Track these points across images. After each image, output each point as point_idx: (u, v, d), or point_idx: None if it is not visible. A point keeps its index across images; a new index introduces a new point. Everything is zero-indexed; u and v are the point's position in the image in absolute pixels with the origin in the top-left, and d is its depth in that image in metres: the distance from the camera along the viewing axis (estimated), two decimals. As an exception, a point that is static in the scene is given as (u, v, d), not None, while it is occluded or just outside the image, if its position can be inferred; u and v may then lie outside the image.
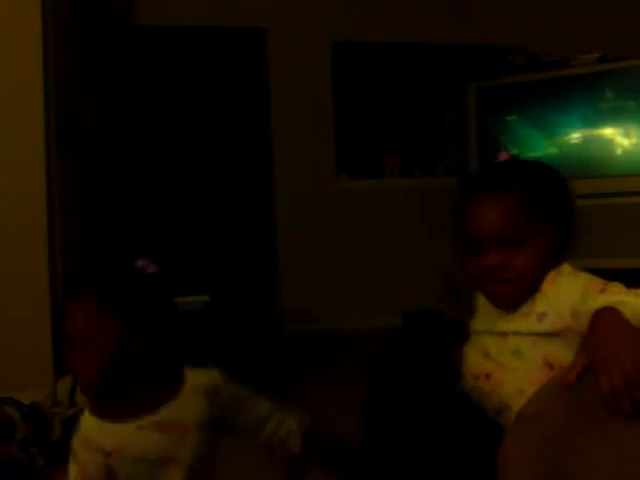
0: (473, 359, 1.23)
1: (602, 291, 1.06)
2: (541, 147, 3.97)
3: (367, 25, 4.49)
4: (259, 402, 1.35)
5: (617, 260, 3.43)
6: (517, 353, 1.15)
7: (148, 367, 1.18)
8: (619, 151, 3.76)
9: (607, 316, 1.00)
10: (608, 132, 3.79)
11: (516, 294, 1.16)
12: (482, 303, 1.27)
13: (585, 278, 1.13)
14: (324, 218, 4.45)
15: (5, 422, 1.93)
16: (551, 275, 1.15)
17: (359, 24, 4.48)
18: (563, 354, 1.08)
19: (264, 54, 4.44)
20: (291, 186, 4.41)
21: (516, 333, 1.15)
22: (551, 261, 1.16)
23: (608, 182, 3.68)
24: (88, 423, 1.17)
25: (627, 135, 3.74)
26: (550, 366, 1.10)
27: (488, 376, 1.18)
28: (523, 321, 1.15)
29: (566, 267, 1.17)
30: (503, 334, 1.17)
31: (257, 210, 4.50)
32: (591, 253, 3.66)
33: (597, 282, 1.10)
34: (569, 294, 1.10)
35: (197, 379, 1.25)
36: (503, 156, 1.27)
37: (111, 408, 1.17)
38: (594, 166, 3.79)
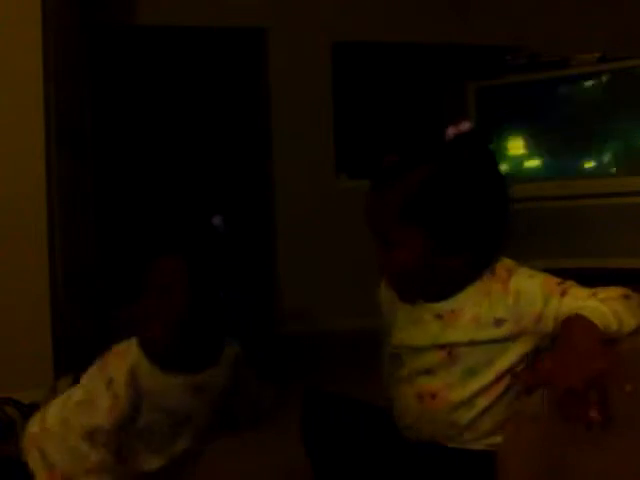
0: (414, 376, 1.16)
1: (563, 293, 1.06)
2: (541, 147, 3.97)
3: (367, 25, 4.49)
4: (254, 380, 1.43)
5: (617, 260, 3.43)
6: (470, 372, 1.11)
7: (208, 329, 1.25)
8: (619, 151, 3.76)
9: (575, 323, 0.99)
10: (608, 132, 3.79)
11: (402, 286, 1.19)
12: (404, 312, 1.21)
13: (539, 279, 1.10)
14: (324, 218, 4.45)
15: (5, 422, 1.93)
16: (501, 274, 1.12)
17: (359, 24, 4.48)
18: (514, 360, 1.09)
19: (264, 54, 4.45)
20: (291, 186, 4.41)
21: (471, 343, 1.10)
22: (445, 261, 1.11)
23: (608, 182, 3.68)
24: (138, 361, 1.20)
25: (627, 135, 3.74)
26: (499, 379, 1.09)
27: (434, 396, 1.13)
28: (477, 328, 1.10)
29: (508, 263, 1.14)
30: (451, 348, 1.12)
31: (257, 210, 4.50)
32: (591, 253, 3.67)
33: (553, 283, 1.08)
34: (531, 299, 1.07)
35: (227, 354, 1.31)
36: (451, 130, 1.17)
37: (164, 358, 1.21)
38: (594, 166, 3.79)
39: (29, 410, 2.00)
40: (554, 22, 4.51)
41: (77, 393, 1.23)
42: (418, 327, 1.17)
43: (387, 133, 4.70)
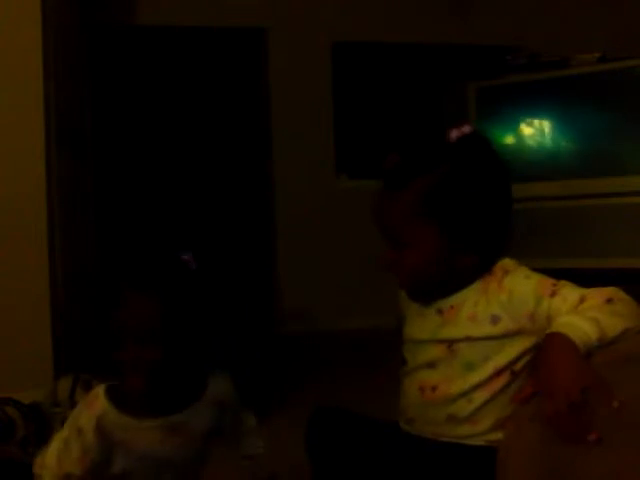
0: (417, 370, 1.20)
1: (553, 294, 1.08)
2: (541, 147, 3.97)
3: (367, 25, 4.49)
4: (248, 416, 1.38)
5: (617, 260, 3.43)
6: (469, 366, 1.13)
7: (187, 368, 1.19)
8: (619, 151, 3.76)
9: (555, 343, 1.00)
10: (608, 132, 3.79)
11: (411, 287, 1.22)
12: (413, 307, 1.25)
13: (535, 280, 1.12)
14: (324, 218, 4.45)
15: (5, 422, 1.93)
16: (497, 273, 1.14)
17: (359, 24, 4.48)
18: (512, 356, 1.11)
19: (264, 54, 4.45)
20: (291, 186, 4.41)
21: (468, 339, 1.13)
22: (454, 261, 1.14)
23: (608, 182, 3.68)
24: (106, 410, 1.16)
25: (627, 135, 3.74)
26: (498, 374, 1.12)
27: (434, 388, 1.16)
28: (473, 325, 1.13)
29: (508, 263, 1.16)
30: (450, 343, 1.15)
31: (257, 210, 4.50)
32: (591, 253, 3.67)
33: (547, 284, 1.10)
34: (523, 299, 1.10)
35: (213, 387, 1.25)
36: (454, 133, 1.17)
37: (133, 403, 1.16)
38: (594, 166, 3.79)
39: (29, 410, 2.00)
40: (554, 22, 4.51)
41: (61, 434, 1.22)
42: (421, 321, 1.21)
43: (387, 133, 4.70)
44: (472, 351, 1.13)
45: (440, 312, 1.18)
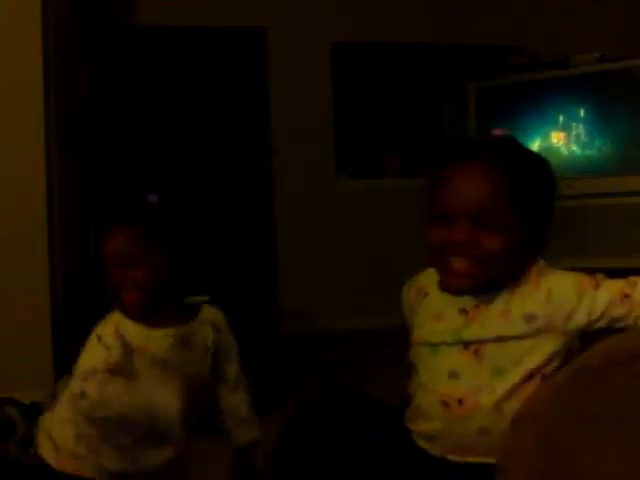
0: (436, 381, 1.10)
1: (596, 287, 1.05)
2: (541, 147, 3.97)
3: (367, 25, 4.49)
4: (239, 361, 1.51)
5: (617, 260, 3.43)
6: (498, 371, 1.06)
7: (180, 288, 1.38)
8: (619, 151, 3.76)
9: None
10: (608, 132, 3.79)
11: (478, 279, 1.06)
12: (427, 307, 1.16)
13: (572, 276, 1.08)
14: (324, 218, 4.45)
15: (5, 422, 1.93)
16: (532, 273, 1.09)
17: (359, 24, 4.48)
18: (542, 358, 1.06)
19: (264, 54, 4.44)
20: (291, 186, 4.41)
21: (499, 338, 1.06)
22: (521, 257, 1.08)
23: (608, 182, 3.68)
24: (121, 320, 1.32)
25: (627, 135, 3.74)
26: (529, 378, 1.06)
27: (461, 401, 1.07)
28: (506, 323, 1.06)
29: (543, 264, 1.12)
30: (477, 345, 1.07)
31: (257, 210, 4.50)
32: (591, 253, 3.67)
33: (586, 278, 1.07)
34: (564, 296, 1.05)
35: (207, 312, 1.44)
36: (497, 132, 1.17)
37: (145, 316, 1.33)
38: (594, 166, 3.79)
39: (29, 410, 2.00)
40: (554, 22, 4.51)
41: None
42: (440, 322, 1.12)
43: (387, 133, 4.70)
44: (502, 354, 1.05)
45: (464, 311, 1.10)
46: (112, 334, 1.29)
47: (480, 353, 1.07)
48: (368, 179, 4.59)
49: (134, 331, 1.31)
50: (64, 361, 2.55)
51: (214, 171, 4.44)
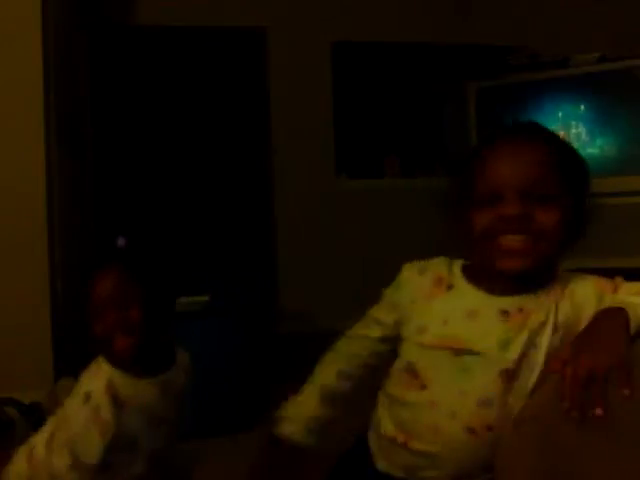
0: (460, 406, 1.00)
1: (615, 290, 1.03)
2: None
3: (367, 25, 4.49)
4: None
5: (617, 260, 3.43)
6: (526, 397, 0.99)
7: (163, 335, 1.32)
8: (619, 151, 3.76)
9: (608, 314, 0.96)
10: (608, 132, 3.79)
11: (534, 257, 0.99)
12: (452, 298, 1.06)
13: (591, 280, 1.05)
14: (324, 218, 4.45)
15: (5, 422, 1.93)
16: (560, 282, 1.05)
17: (359, 24, 4.48)
18: None
19: (264, 54, 4.44)
20: (291, 186, 4.40)
21: (535, 347, 0.99)
22: (565, 241, 1.03)
23: (608, 182, 3.68)
24: (111, 373, 1.26)
25: (627, 135, 3.73)
26: None
27: (490, 428, 1.00)
28: (542, 332, 1.00)
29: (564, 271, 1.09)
30: (513, 370, 0.98)
31: (257, 210, 4.50)
32: (591, 253, 3.67)
33: (605, 281, 1.04)
34: (585, 301, 1.02)
35: (181, 357, 1.40)
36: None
37: (134, 363, 1.27)
38: (594, 166, 3.79)
39: (29, 410, 2.00)
40: (554, 22, 4.51)
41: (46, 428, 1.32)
42: (476, 322, 1.02)
43: (387, 133, 4.69)
44: (532, 377, 1.00)
45: (505, 313, 1.01)
46: (103, 390, 1.23)
47: (513, 376, 1.00)
48: (368, 179, 4.59)
49: (124, 383, 1.26)
50: (64, 361, 2.55)
51: (214, 171, 4.44)
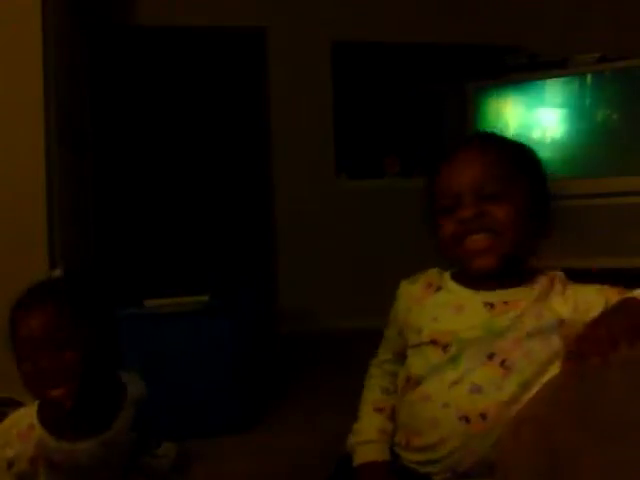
0: (453, 395, 1.03)
1: (622, 293, 1.04)
2: (541, 147, 3.97)
3: (367, 25, 4.49)
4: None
5: (617, 260, 3.43)
6: (525, 386, 1.01)
7: (104, 379, 1.16)
8: (619, 151, 3.76)
9: (625, 301, 1.00)
10: (608, 132, 3.79)
11: (498, 252, 1.05)
12: (440, 297, 1.11)
13: (595, 286, 1.07)
14: (324, 218, 4.45)
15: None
16: (557, 285, 1.07)
17: (359, 24, 4.48)
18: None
19: (264, 54, 4.45)
20: (291, 186, 4.41)
21: (530, 335, 1.02)
22: (530, 230, 1.08)
23: (608, 182, 3.68)
24: (42, 438, 1.13)
25: (627, 135, 3.74)
26: None
27: (484, 416, 1.02)
28: (537, 321, 1.04)
29: (562, 276, 1.10)
30: (503, 357, 1.02)
31: (257, 210, 4.50)
32: (591, 253, 3.67)
33: (610, 287, 1.07)
34: (590, 304, 1.03)
35: (132, 388, 1.24)
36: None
37: (71, 424, 1.14)
38: (594, 166, 3.79)
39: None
40: (554, 22, 4.51)
41: None
42: (463, 315, 1.07)
43: (387, 133, 4.70)
44: (528, 365, 1.02)
45: (491, 306, 1.06)
46: (28, 459, 1.11)
47: (507, 365, 1.02)
48: (368, 179, 4.60)
49: (57, 448, 1.12)
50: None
51: (214, 171, 4.44)
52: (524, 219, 1.07)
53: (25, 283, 2.60)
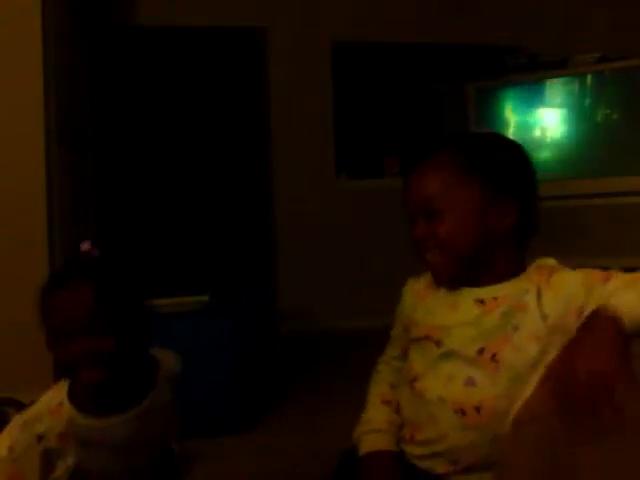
0: (448, 388, 1.05)
1: (606, 280, 1.01)
2: (541, 147, 3.97)
3: (367, 25, 4.49)
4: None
5: (617, 260, 3.43)
6: (516, 379, 1.02)
7: (136, 360, 1.16)
8: (619, 151, 3.76)
9: (601, 321, 0.94)
10: (608, 132, 3.79)
11: (449, 266, 1.09)
12: (439, 295, 1.14)
13: (582, 272, 1.05)
14: (324, 218, 4.45)
15: (5, 422, 1.92)
16: (544, 272, 1.07)
17: (359, 24, 4.48)
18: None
19: (264, 54, 4.45)
20: (291, 186, 4.41)
21: (516, 329, 1.03)
22: (487, 230, 1.08)
23: (608, 182, 3.68)
24: (71, 415, 1.13)
25: (627, 135, 3.74)
26: None
27: (479, 409, 1.02)
28: (525, 316, 1.03)
29: (552, 261, 1.10)
30: (494, 351, 1.03)
31: (257, 210, 4.50)
32: (591, 253, 3.67)
33: (597, 273, 1.03)
34: (572, 292, 1.02)
35: (166, 364, 1.24)
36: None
37: (103, 402, 1.14)
38: (594, 166, 3.79)
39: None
40: (554, 22, 4.51)
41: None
42: (456, 312, 1.09)
43: (387, 133, 4.70)
44: (519, 358, 1.02)
45: (481, 302, 1.08)
46: (57, 435, 1.11)
47: (497, 358, 1.03)
48: (368, 179, 4.60)
49: (87, 424, 1.12)
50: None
51: (214, 171, 4.44)
52: (473, 223, 1.08)
53: (25, 283, 2.60)
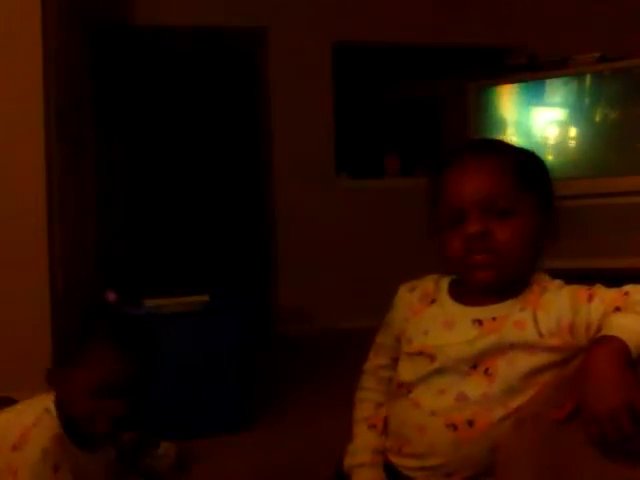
0: (440, 404, 1.03)
1: (590, 299, 0.99)
2: (541, 147, 3.97)
3: (367, 25, 4.49)
4: None
5: (617, 260, 3.43)
6: (511, 391, 1.00)
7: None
8: (619, 151, 3.76)
9: (602, 351, 0.91)
10: (608, 132, 3.79)
11: (499, 271, 1.02)
12: (434, 311, 1.10)
13: (568, 290, 1.03)
14: (324, 218, 4.45)
15: (5, 422, 1.92)
16: (535, 290, 1.05)
17: (359, 24, 4.48)
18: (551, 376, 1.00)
19: (264, 54, 4.45)
20: (291, 186, 4.41)
21: (513, 347, 1.00)
22: (535, 249, 1.05)
23: (608, 182, 3.68)
24: (59, 434, 1.22)
25: (627, 135, 3.73)
26: None
27: (472, 423, 1.01)
28: (520, 332, 1.01)
29: (543, 277, 1.08)
30: (487, 364, 1.01)
31: (257, 210, 4.50)
32: (591, 253, 3.67)
33: (581, 290, 1.02)
34: (561, 312, 1.01)
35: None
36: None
37: (92, 441, 1.26)
38: (594, 166, 3.79)
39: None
40: (554, 22, 4.51)
41: None
42: (451, 332, 1.06)
43: (387, 132, 4.70)
44: (512, 372, 1.00)
45: (479, 323, 1.05)
46: (39, 453, 1.18)
47: (491, 372, 1.01)
48: (368, 178, 4.60)
49: (68, 450, 1.23)
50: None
51: (214, 171, 4.44)
52: (532, 236, 1.04)
53: (25, 282, 2.60)
